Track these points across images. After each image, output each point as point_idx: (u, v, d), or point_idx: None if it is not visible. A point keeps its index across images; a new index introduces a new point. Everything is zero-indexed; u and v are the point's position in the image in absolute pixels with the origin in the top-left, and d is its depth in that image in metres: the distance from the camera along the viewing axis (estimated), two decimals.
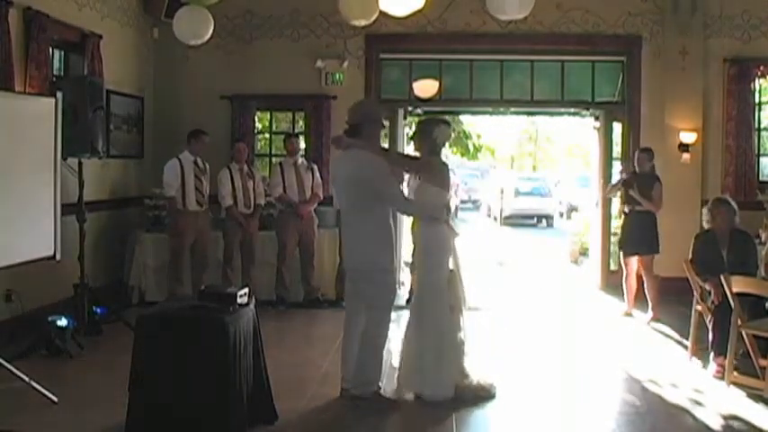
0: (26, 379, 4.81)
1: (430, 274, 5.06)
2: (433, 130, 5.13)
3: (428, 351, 4.93)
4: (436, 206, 5.00)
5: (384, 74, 9.22)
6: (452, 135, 5.37)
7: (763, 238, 7.56)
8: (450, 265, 5.09)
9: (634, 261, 7.60)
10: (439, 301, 4.99)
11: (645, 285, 7.55)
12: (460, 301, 5.09)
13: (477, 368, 5.12)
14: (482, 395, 4.98)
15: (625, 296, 7.80)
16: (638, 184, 7.50)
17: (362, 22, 6.07)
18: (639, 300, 7.71)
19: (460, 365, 5.04)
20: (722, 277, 5.26)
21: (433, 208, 5.02)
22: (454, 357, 5.01)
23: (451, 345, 5.01)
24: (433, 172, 5.05)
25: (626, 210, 7.69)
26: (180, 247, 7.48)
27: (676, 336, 6.83)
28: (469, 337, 5.17)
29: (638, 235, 7.42)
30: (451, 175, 5.39)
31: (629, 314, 7.72)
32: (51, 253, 5.47)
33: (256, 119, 9.49)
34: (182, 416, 4.03)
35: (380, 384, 5.01)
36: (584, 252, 11.74)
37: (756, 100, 8.88)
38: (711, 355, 5.60)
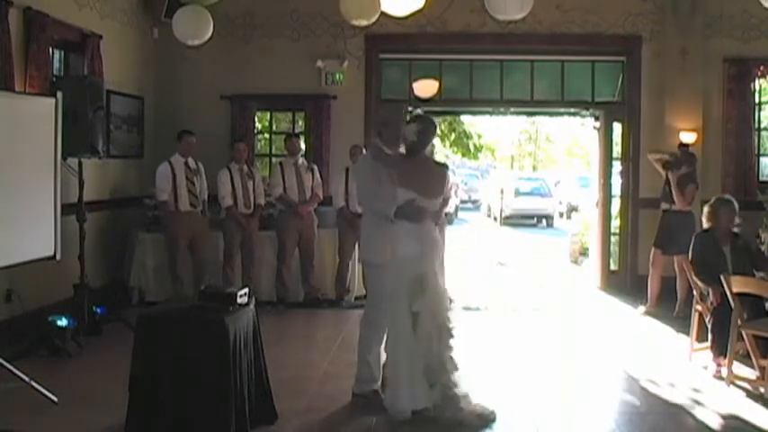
0: (26, 379, 4.81)
1: (389, 277, 4.77)
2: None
3: (387, 362, 4.75)
4: (382, 207, 4.77)
5: (384, 74, 9.22)
6: (418, 131, 4.89)
7: (762, 238, 7.56)
8: (419, 270, 4.69)
9: (667, 260, 7.66)
10: (397, 308, 4.68)
11: (678, 283, 7.53)
12: (431, 311, 4.67)
13: (473, 393, 4.75)
14: (477, 423, 4.54)
15: (649, 294, 7.82)
16: (680, 178, 7.60)
17: (363, 22, 6.07)
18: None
19: (437, 381, 4.61)
20: (722, 277, 5.26)
21: (380, 208, 4.80)
22: (420, 372, 4.61)
23: (411, 357, 4.61)
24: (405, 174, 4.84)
25: (663, 207, 7.77)
26: (175, 249, 7.50)
27: (676, 336, 6.83)
28: (452, 352, 4.71)
29: (683, 235, 7.19)
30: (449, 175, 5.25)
31: (650, 313, 7.72)
32: (51, 253, 5.47)
33: (256, 119, 9.50)
34: (182, 416, 4.03)
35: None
36: (584, 252, 11.75)
37: (756, 100, 8.87)
38: (711, 355, 5.60)
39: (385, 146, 4.90)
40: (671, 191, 7.66)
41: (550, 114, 11.85)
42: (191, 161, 7.60)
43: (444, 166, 5.21)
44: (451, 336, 4.74)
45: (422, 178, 4.80)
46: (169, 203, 7.45)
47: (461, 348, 6.42)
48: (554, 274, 10.88)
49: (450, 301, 8.30)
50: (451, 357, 4.71)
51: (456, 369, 4.70)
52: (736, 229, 5.95)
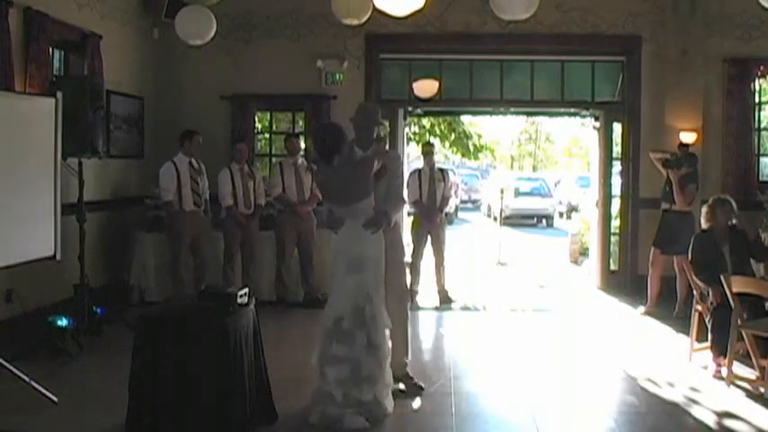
0: (26, 379, 4.81)
1: None
2: None
3: None
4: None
5: (384, 74, 9.22)
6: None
7: (763, 238, 7.56)
8: (338, 273, 4.75)
9: (667, 260, 7.66)
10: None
11: (678, 283, 7.54)
12: (328, 316, 4.70)
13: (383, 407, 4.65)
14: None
15: (649, 294, 7.82)
16: (681, 178, 7.59)
17: (354, 22, 6.07)
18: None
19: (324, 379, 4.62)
20: (722, 277, 5.26)
21: None
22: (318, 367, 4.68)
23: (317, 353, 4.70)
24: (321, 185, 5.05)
25: (664, 207, 7.77)
26: (179, 248, 7.50)
27: (676, 336, 6.83)
28: (366, 360, 4.58)
29: (683, 235, 7.18)
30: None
31: (650, 313, 7.71)
32: (51, 253, 5.47)
33: (256, 119, 9.49)
34: (182, 416, 4.04)
35: None
36: (584, 252, 11.75)
37: (756, 100, 8.86)
38: (711, 355, 5.60)
39: (360, 148, 4.88)
40: (671, 191, 7.66)
41: (550, 114, 11.85)
42: (194, 161, 7.61)
43: (364, 164, 4.78)
44: (367, 344, 4.58)
45: (338, 188, 4.76)
46: (174, 203, 7.45)
47: (460, 348, 6.45)
48: (554, 274, 10.88)
49: (451, 300, 8.39)
50: (365, 365, 4.56)
51: (371, 379, 4.56)
52: (734, 221, 5.96)
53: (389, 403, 4.72)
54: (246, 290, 4.48)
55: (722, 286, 5.26)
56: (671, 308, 7.61)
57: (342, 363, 4.54)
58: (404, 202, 5.35)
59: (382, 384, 4.65)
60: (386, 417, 4.63)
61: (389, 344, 4.77)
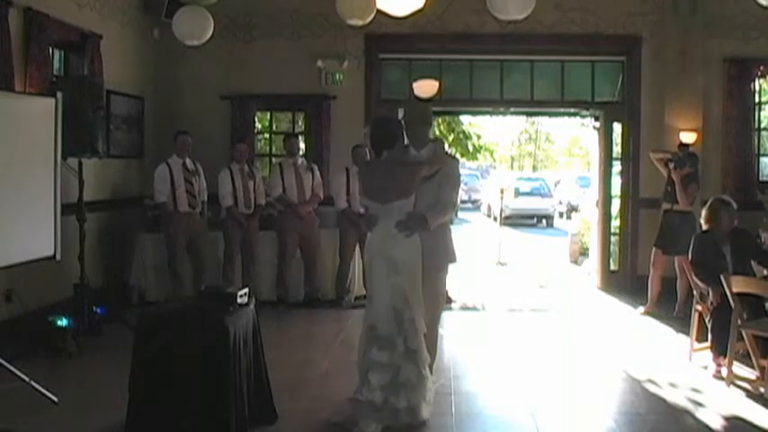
0: (26, 379, 4.81)
1: None
2: None
3: None
4: None
5: (384, 74, 9.22)
6: (370, 134, 4.83)
7: (763, 238, 7.56)
8: (379, 275, 4.56)
9: (668, 260, 7.66)
10: None
11: (678, 284, 7.55)
12: (367, 319, 4.61)
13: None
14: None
15: (649, 295, 7.82)
16: (683, 178, 7.58)
17: (358, 23, 6.07)
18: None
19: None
20: (722, 277, 5.26)
21: None
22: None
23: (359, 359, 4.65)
24: (364, 181, 4.97)
25: (665, 207, 7.76)
26: (174, 249, 7.52)
27: (676, 336, 6.83)
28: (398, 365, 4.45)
29: (684, 236, 7.12)
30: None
31: (649, 313, 7.71)
32: (51, 253, 5.47)
33: (256, 119, 9.49)
34: (182, 416, 4.03)
35: None
36: (584, 252, 11.75)
37: (756, 100, 8.86)
38: (711, 355, 5.60)
39: (414, 147, 4.79)
40: (673, 191, 7.65)
41: (550, 114, 11.86)
42: (189, 162, 7.61)
43: (412, 165, 4.64)
44: (405, 350, 4.45)
45: (378, 184, 4.62)
46: (168, 204, 7.47)
47: (460, 348, 6.45)
48: (554, 274, 10.88)
49: (451, 300, 8.40)
50: (395, 368, 4.44)
51: (407, 385, 4.44)
52: (735, 222, 5.96)
53: (426, 410, 4.55)
54: (246, 290, 4.48)
55: (722, 286, 5.26)
56: (671, 308, 7.62)
57: (384, 369, 4.43)
58: (453, 208, 4.96)
59: (419, 390, 4.50)
60: (422, 424, 4.50)
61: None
